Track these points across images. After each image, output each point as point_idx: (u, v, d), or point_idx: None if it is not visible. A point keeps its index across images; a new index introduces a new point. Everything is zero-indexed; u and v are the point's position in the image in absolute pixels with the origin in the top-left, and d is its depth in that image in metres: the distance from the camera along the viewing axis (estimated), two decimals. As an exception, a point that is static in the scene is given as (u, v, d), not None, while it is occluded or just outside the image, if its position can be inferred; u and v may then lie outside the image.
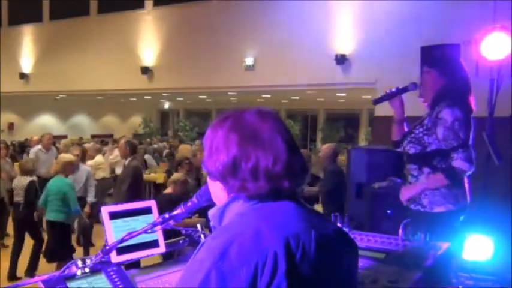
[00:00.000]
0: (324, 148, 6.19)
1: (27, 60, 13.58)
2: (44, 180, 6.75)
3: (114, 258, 1.70)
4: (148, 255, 1.83)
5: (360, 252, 1.34)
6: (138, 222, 1.76)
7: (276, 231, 1.06)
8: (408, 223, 2.39)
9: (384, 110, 4.58)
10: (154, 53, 10.86)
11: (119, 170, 9.79)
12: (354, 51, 7.79)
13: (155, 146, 14.47)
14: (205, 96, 17.73)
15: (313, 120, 21.40)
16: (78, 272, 1.60)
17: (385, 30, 7.18)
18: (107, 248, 1.62)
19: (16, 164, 9.95)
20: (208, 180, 1.25)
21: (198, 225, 1.98)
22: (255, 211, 1.12)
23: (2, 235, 7.33)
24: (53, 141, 9.23)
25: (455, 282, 2.40)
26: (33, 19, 13.65)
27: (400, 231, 2.33)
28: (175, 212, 1.56)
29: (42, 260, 5.76)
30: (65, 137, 15.87)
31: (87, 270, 1.61)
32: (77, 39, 12.22)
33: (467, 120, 2.83)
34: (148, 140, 16.12)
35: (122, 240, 1.59)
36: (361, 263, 1.79)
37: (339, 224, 2.21)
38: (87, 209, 6.49)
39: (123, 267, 1.75)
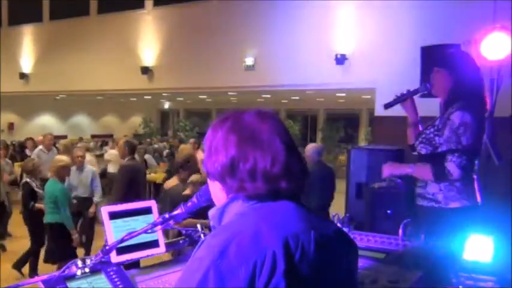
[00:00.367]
0: (307, 149, 5.96)
1: (27, 60, 13.56)
2: (46, 181, 6.72)
3: (114, 258, 1.70)
4: (148, 255, 1.83)
5: (360, 252, 1.34)
6: (138, 222, 1.77)
7: (275, 231, 1.06)
8: (408, 223, 2.39)
9: (384, 110, 4.55)
10: (154, 53, 10.86)
11: (111, 169, 9.92)
12: (354, 51, 7.79)
13: (155, 146, 14.49)
14: (205, 96, 17.74)
15: (313, 120, 21.41)
16: (78, 272, 1.60)
17: (385, 30, 7.18)
18: (107, 248, 1.62)
19: (17, 164, 9.99)
20: (208, 180, 1.26)
21: (198, 225, 1.98)
22: (255, 211, 1.12)
23: (2, 236, 7.32)
24: (54, 142, 9.24)
25: (455, 282, 2.40)
26: (33, 19, 13.64)
27: (400, 231, 2.34)
28: (175, 212, 1.56)
29: (42, 260, 5.75)
30: (65, 137, 15.89)
31: (87, 270, 1.61)
32: (77, 39, 12.21)
33: (476, 127, 2.73)
34: (148, 140, 16.13)
35: (122, 240, 1.59)
36: (361, 263, 1.79)
37: (338, 224, 2.21)
38: (92, 209, 6.47)
39: (123, 267, 1.75)
